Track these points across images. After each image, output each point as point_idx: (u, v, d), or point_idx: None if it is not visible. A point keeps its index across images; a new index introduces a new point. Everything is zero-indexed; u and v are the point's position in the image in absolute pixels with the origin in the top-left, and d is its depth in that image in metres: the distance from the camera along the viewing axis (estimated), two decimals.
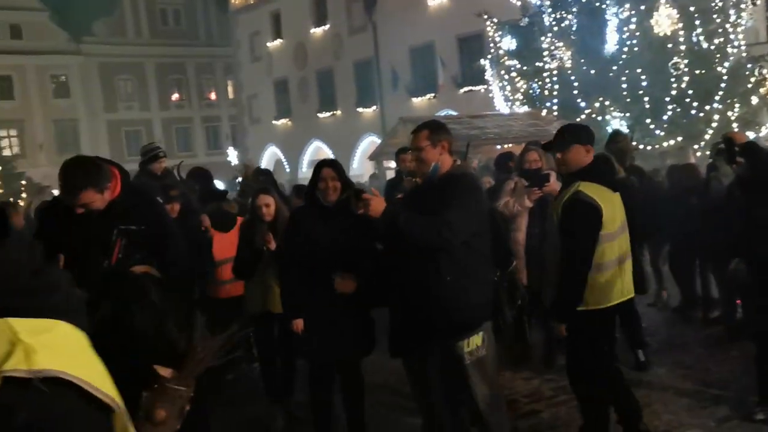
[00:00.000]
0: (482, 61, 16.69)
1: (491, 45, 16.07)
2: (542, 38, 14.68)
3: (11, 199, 18.70)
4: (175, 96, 42.21)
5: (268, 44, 34.35)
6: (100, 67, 39.77)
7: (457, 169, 3.54)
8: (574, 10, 14.35)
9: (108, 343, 2.68)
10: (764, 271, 4.31)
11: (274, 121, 34.64)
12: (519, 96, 15.58)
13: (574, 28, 14.34)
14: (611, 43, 13.84)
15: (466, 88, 23.64)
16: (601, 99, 13.87)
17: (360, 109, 29.86)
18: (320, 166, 4.15)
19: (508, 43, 15.77)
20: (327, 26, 31.19)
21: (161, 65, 41.31)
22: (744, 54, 14.67)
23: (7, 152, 32.41)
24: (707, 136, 13.82)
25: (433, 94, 26.93)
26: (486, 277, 3.58)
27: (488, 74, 16.35)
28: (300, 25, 32.22)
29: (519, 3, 16.09)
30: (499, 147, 13.40)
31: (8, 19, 36.87)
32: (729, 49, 14.09)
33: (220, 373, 5.57)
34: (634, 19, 13.59)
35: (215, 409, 4.80)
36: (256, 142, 35.26)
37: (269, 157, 34.22)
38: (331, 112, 30.80)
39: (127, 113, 40.58)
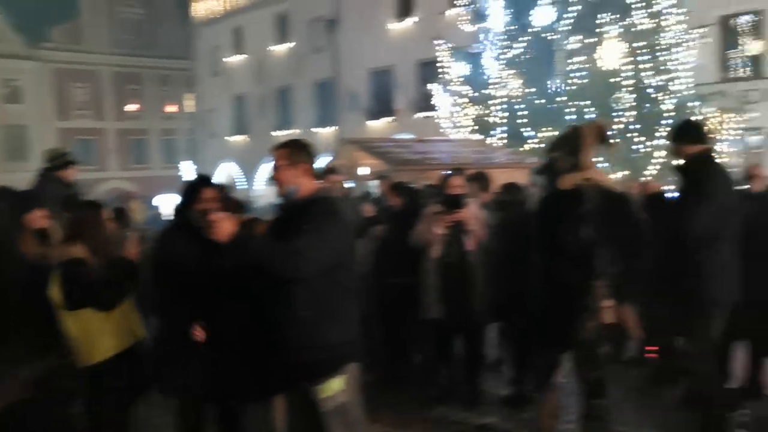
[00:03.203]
0: (431, 86, 16.52)
1: (443, 70, 15.93)
2: (492, 66, 14.59)
3: None
4: (131, 106, 41.31)
5: (229, 59, 34.04)
6: (55, 73, 38.84)
7: (317, 193, 3.21)
8: (525, 39, 14.30)
9: None
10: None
11: (231, 137, 34.24)
12: (468, 122, 15.41)
13: (523, 58, 14.27)
14: (559, 74, 13.79)
15: (423, 113, 23.53)
16: (548, 129, 13.74)
17: (318, 129, 29.61)
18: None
19: (461, 69, 15.66)
20: (288, 44, 31.05)
21: (119, 74, 40.47)
22: (692, 92, 14.73)
23: None
24: (654, 171, 13.77)
25: (391, 118, 26.89)
26: (350, 314, 3.22)
27: (438, 99, 16.16)
28: (262, 42, 32.06)
29: (473, 29, 16.00)
30: (450, 173, 13.15)
31: None
32: (676, 86, 14.11)
33: None
34: (582, 53, 13.56)
35: None
36: (212, 157, 34.72)
37: (224, 172, 33.67)
38: (289, 131, 30.44)
39: (80, 121, 39.58)
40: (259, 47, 32.23)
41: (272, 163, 3.23)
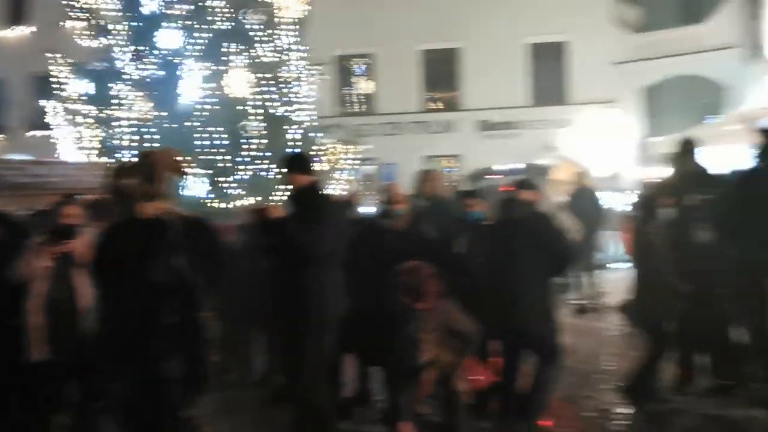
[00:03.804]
0: (44, 103, 15.00)
1: (59, 86, 14.59)
2: (116, 85, 13.86)
3: None
4: None
5: None
6: None
7: None
8: (153, 61, 13.91)
9: None
10: None
11: None
12: (92, 144, 14.35)
13: (152, 80, 13.85)
14: (187, 98, 13.70)
15: (40, 132, 21.32)
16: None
17: None
18: None
19: (83, 86, 14.53)
20: None
21: None
22: (315, 124, 15.91)
23: None
24: (282, 196, 14.46)
25: (1, 135, 23.98)
26: None
27: (55, 118, 14.75)
28: None
29: (97, 45, 15.00)
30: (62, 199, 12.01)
31: None
32: (300, 118, 15.08)
33: None
34: (211, 80, 13.69)
35: None
36: None
37: None
38: None
39: None
40: None
41: None
